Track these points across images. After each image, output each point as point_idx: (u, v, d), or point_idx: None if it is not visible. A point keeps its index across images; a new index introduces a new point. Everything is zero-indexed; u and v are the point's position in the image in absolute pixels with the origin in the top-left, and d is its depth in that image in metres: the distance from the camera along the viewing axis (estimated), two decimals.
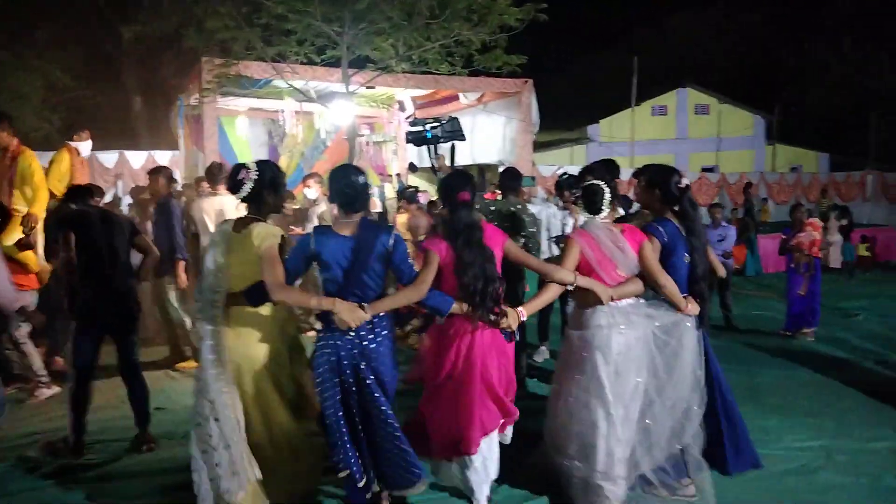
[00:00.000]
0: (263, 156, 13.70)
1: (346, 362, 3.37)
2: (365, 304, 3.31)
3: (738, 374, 6.19)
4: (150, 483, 4.17)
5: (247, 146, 13.24)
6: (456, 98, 12.13)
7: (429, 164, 5.92)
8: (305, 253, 3.41)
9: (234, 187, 3.49)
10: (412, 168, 9.86)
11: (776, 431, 4.91)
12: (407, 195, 9.05)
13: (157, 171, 6.84)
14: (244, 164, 3.54)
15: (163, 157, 12.48)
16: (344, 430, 3.36)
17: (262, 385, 3.50)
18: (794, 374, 6.37)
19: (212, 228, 6.36)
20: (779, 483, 4.11)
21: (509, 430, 3.86)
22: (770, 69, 36.53)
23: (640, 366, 3.62)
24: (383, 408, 3.37)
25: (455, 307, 3.48)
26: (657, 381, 3.66)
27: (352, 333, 3.36)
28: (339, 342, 3.38)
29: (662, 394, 3.65)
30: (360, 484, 3.37)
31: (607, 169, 4.61)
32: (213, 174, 6.94)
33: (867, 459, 4.42)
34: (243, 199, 3.51)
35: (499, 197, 5.80)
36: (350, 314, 3.27)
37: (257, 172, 3.46)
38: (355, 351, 3.38)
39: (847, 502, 3.91)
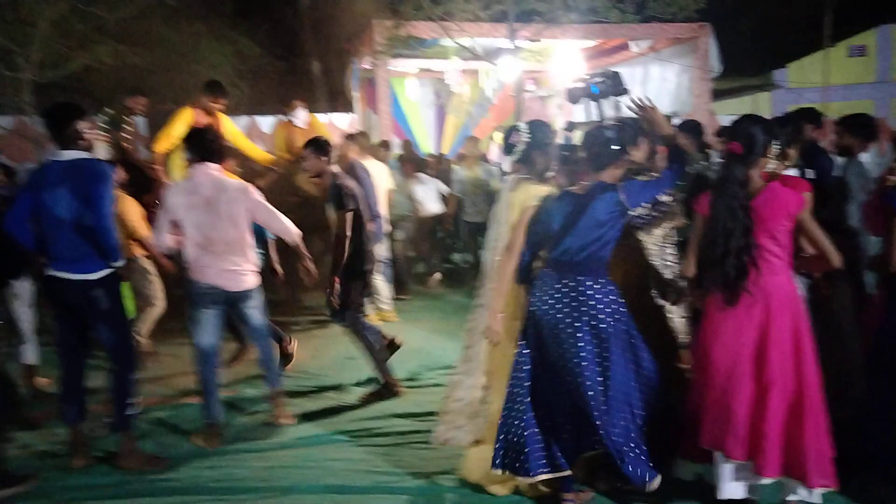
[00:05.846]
0: (431, 118, 13.91)
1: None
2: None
3: None
4: None
5: (416, 108, 13.39)
6: (625, 47, 11.59)
7: (594, 121, 5.68)
8: (548, 218, 3.12)
9: (506, 149, 3.48)
10: (570, 127, 9.57)
11: None
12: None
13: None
14: (516, 126, 3.44)
15: (342, 120, 12.98)
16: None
17: None
18: None
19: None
20: None
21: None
22: None
23: None
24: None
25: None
26: None
27: None
28: None
29: None
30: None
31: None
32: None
33: None
34: (516, 161, 3.41)
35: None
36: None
37: (528, 134, 3.36)
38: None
39: None
